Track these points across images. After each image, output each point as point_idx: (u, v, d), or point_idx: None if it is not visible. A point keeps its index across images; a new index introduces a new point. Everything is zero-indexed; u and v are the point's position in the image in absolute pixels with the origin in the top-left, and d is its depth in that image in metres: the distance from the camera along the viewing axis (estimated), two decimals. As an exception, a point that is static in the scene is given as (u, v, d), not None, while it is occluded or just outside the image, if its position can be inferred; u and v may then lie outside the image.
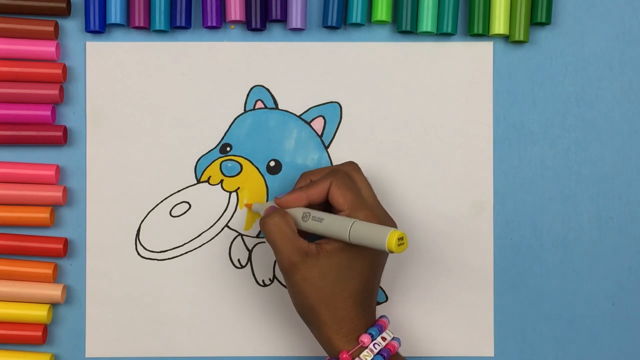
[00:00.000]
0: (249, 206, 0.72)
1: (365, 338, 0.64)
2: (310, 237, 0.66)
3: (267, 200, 0.73)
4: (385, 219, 0.67)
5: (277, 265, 0.73)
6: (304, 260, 0.64)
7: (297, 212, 0.66)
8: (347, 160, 0.71)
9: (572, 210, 0.74)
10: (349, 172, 0.68)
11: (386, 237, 0.59)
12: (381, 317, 0.67)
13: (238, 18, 0.71)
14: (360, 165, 0.70)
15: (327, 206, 0.67)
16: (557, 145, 0.74)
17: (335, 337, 0.64)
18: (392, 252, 0.59)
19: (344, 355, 0.63)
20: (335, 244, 0.64)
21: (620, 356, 0.74)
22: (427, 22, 0.71)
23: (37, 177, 0.71)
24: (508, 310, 0.74)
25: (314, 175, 0.68)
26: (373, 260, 0.66)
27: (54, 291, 0.71)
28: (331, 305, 0.64)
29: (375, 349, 0.64)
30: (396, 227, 0.65)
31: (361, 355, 0.63)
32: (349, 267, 0.64)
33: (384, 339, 0.65)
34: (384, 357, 0.64)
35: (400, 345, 0.66)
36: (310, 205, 0.67)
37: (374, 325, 0.65)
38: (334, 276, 0.64)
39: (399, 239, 0.59)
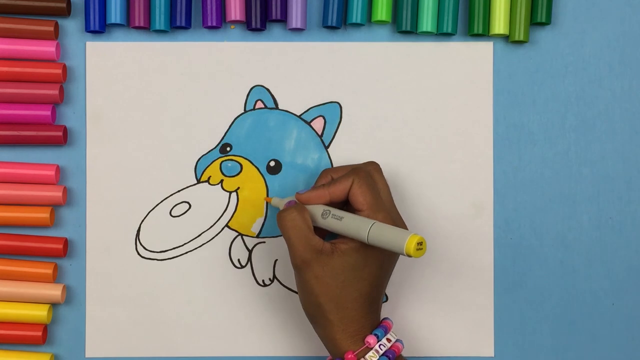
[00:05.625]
0: (268, 200, 0.72)
1: (371, 339, 0.64)
2: (326, 235, 0.66)
3: (267, 200, 0.73)
4: (400, 224, 0.67)
5: (277, 265, 0.73)
6: (316, 258, 0.64)
7: (317, 209, 0.66)
8: (369, 160, 0.70)
9: (572, 210, 0.74)
10: (371, 172, 0.68)
11: (405, 241, 0.59)
12: (385, 318, 0.67)
13: (238, 18, 0.71)
14: (360, 165, 0.70)
15: (343, 205, 0.67)
16: (557, 145, 0.74)
17: (341, 337, 0.64)
18: (409, 256, 0.59)
19: (350, 356, 0.63)
20: (351, 244, 0.64)
21: (620, 356, 0.74)
22: (427, 22, 0.71)
23: (37, 177, 0.71)
24: (508, 310, 0.74)
25: (336, 173, 0.68)
26: (385, 262, 0.66)
27: (54, 291, 0.71)
28: (340, 304, 0.64)
29: (381, 350, 0.64)
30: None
31: (367, 356, 0.63)
32: (362, 268, 0.64)
33: (388, 340, 0.65)
34: (389, 358, 0.64)
35: (403, 347, 0.66)
36: (331, 203, 0.67)
37: (379, 326, 0.65)
38: (346, 276, 0.64)
39: (418, 244, 0.59)
